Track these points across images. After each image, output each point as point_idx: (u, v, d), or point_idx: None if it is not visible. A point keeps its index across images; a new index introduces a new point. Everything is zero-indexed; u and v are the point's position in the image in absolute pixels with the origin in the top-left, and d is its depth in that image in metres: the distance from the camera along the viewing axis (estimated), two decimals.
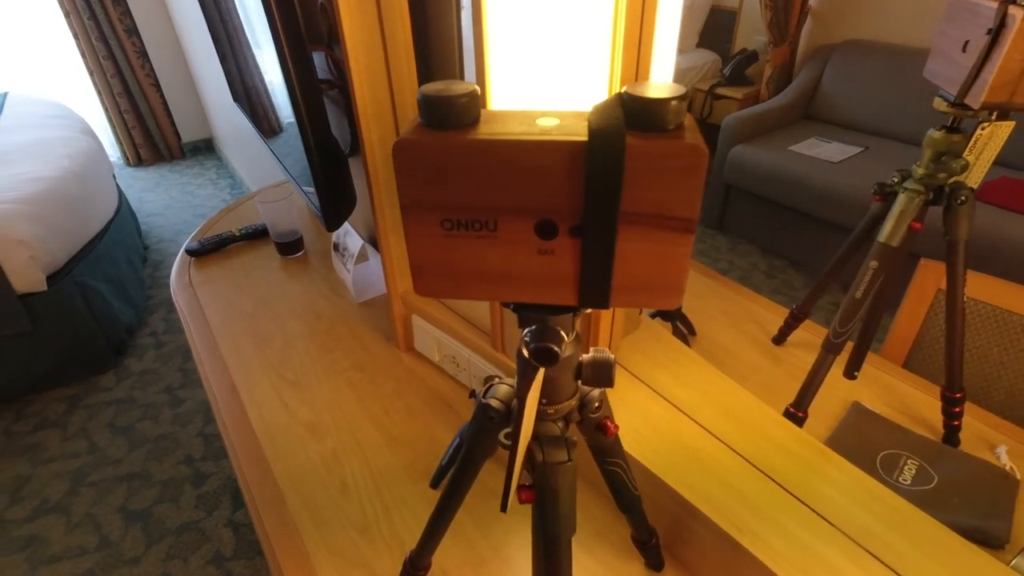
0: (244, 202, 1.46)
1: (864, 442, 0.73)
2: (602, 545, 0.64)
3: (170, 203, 3.22)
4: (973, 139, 0.62)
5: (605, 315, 0.70)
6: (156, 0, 3.45)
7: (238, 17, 0.92)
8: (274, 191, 1.35)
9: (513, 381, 0.37)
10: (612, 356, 0.33)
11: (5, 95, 2.81)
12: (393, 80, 0.73)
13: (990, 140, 0.62)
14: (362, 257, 1.03)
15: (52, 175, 1.95)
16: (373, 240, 1.10)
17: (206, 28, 1.76)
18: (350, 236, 1.05)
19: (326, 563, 0.64)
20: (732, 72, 2.70)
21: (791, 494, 0.56)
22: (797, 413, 0.70)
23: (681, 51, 2.95)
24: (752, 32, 2.75)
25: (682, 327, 0.89)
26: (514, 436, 0.28)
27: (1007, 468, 0.68)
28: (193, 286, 1.16)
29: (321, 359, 0.94)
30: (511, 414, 0.36)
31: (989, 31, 0.53)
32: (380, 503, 0.71)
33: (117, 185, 2.53)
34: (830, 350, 0.69)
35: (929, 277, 0.90)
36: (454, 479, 0.43)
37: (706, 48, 2.92)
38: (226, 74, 1.27)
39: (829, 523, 0.53)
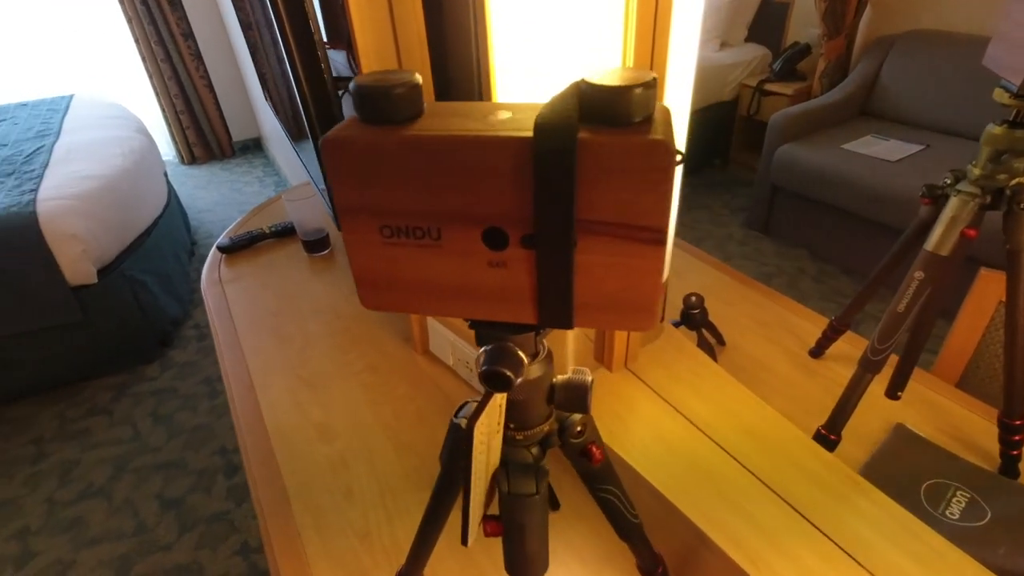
0: (276, 200, 1.48)
1: (907, 469, 0.66)
2: (613, 570, 0.60)
3: (219, 200, 3.33)
4: None
5: None
6: (210, 4, 3.58)
7: (261, 17, 0.92)
8: (301, 190, 1.37)
9: None
10: (589, 379, 0.29)
11: (71, 98, 2.97)
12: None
13: None
14: None
15: (105, 173, 2.04)
16: None
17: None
18: None
19: (324, 569, 0.63)
20: (783, 67, 2.57)
21: (815, 526, 0.51)
22: (829, 435, 0.64)
23: (729, 45, 2.84)
24: (805, 24, 2.61)
25: (709, 337, 0.83)
26: (464, 468, 0.25)
27: None
28: (222, 283, 1.18)
29: (337, 359, 0.93)
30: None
31: None
32: (383, 510, 0.69)
33: (168, 182, 2.63)
34: (868, 368, 0.63)
35: (989, 288, 0.81)
36: (435, 498, 0.40)
37: (755, 42, 2.80)
38: (259, 75, 1.28)
39: (856, 562, 0.48)
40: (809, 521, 0.51)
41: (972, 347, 0.83)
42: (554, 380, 0.30)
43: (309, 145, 0.78)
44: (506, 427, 0.30)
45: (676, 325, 0.81)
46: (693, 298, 0.79)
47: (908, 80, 1.99)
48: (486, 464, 0.27)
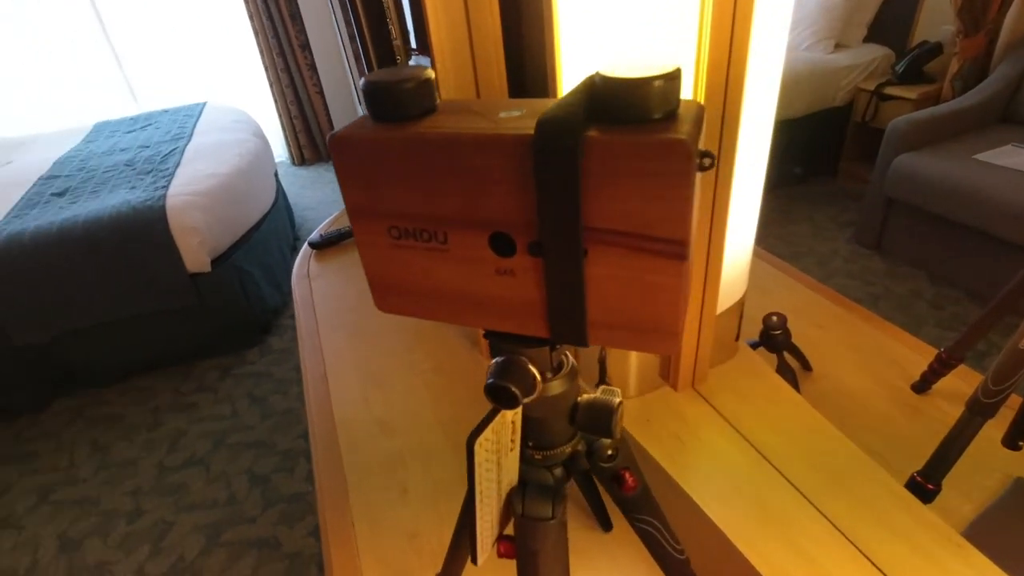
0: None
1: None
2: None
3: (323, 199, 3.56)
4: None
5: (688, 337, 0.62)
6: (325, 17, 3.84)
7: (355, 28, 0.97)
8: None
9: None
10: (617, 401, 0.27)
11: (204, 105, 3.30)
12: (480, 82, 0.72)
13: None
14: None
15: (224, 172, 2.24)
16: None
17: None
18: None
19: (372, 563, 0.64)
20: (907, 68, 2.33)
21: None
22: (926, 484, 0.56)
23: (844, 47, 2.62)
24: (937, 21, 2.35)
25: (792, 361, 0.76)
26: (469, 485, 0.24)
27: None
28: (309, 277, 1.24)
29: (404, 357, 0.95)
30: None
31: None
32: (435, 512, 0.69)
33: (277, 181, 2.84)
34: (978, 411, 0.54)
35: None
36: (465, 509, 0.39)
37: (875, 43, 2.56)
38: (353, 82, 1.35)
39: None
40: None
41: None
42: (579, 399, 0.28)
43: None
44: (524, 444, 0.28)
45: (754, 346, 0.74)
46: (774, 318, 0.73)
47: None
48: (496, 482, 0.26)
